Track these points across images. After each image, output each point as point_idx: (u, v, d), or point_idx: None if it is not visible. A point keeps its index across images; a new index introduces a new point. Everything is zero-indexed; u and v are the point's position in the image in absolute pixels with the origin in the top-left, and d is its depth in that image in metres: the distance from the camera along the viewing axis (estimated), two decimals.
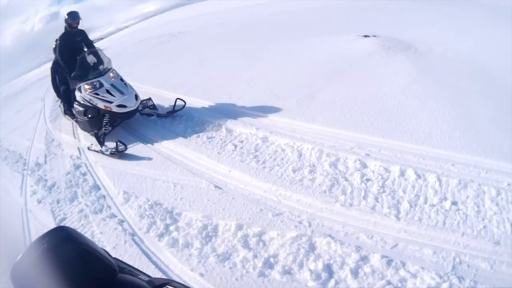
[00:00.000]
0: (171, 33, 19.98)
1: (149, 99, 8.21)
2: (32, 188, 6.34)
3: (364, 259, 3.60)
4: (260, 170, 5.28)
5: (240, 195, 4.87)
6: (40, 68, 30.24)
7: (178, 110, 7.68)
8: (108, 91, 7.08)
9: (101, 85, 7.16)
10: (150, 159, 6.23)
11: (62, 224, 4.99)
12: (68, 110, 8.39)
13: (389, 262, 3.50)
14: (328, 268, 3.56)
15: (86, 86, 7.16)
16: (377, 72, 7.72)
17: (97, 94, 7.07)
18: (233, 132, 6.51)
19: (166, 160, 6.04)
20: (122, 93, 7.14)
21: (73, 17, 7.97)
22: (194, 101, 8.21)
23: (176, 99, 7.73)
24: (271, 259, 3.75)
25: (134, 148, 6.74)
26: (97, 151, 6.91)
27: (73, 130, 8.37)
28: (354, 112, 6.32)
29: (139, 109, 7.51)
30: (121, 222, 4.83)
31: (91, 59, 7.73)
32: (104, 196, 5.53)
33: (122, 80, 7.57)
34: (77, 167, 6.57)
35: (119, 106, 6.99)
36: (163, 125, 7.50)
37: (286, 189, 4.81)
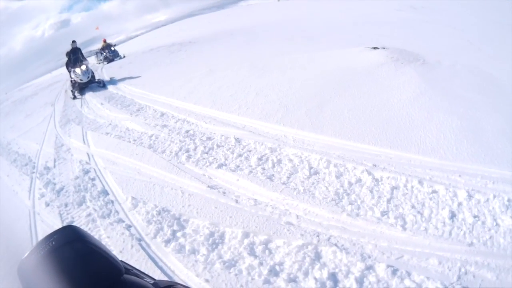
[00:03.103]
0: (181, 43, 20.21)
1: (100, 79, 15.20)
2: (40, 191, 6.39)
3: (370, 268, 3.59)
4: (268, 180, 5.30)
5: (247, 204, 4.89)
6: (51, 74, 30.52)
7: (103, 84, 14.35)
8: (79, 74, 14.27)
9: (78, 71, 14.41)
10: None
11: None
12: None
13: (394, 272, 3.50)
14: (333, 277, 3.56)
15: (72, 70, 14.57)
16: (386, 84, 7.73)
17: (76, 74, 14.31)
18: (242, 142, 6.54)
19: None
20: (84, 74, 14.29)
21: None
22: (204, 111, 8.31)
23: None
24: (277, 267, 3.75)
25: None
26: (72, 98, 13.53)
27: (83, 136, 8.45)
28: (362, 123, 6.33)
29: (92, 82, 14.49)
30: (128, 227, 4.85)
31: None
32: (112, 201, 5.56)
33: (87, 70, 14.65)
34: (86, 172, 6.62)
35: (80, 80, 14.13)
36: None
37: (293, 198, 4.82)
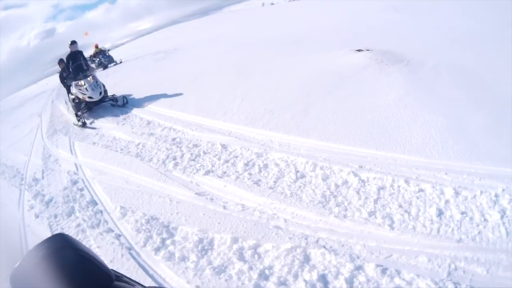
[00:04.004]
0: (166, 50, 20.18)
1: (113, 95, 11.46)
2: (29, 202, 6.37)
3: (359, 268, 3.61)
4: (255, 185, 5.32)
5: (235, 209, 4.89)
6: (36, 84, 30.32)
7: (125, 103, 10.93)
8: (86, 88, 10.84)
9: (84, 84, 10.93)
10: None
11: None
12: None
13: (383, 271, 3.52)
14: (323, 279, 3.57)
15: (75, 84, 11.05)
16: (370, 86, 7.79)
17: (80, 89, 10.85)
18: (228, 148, 6.55)
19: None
20: (93, 89, 10.86)
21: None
22: (190, 118, 8.33)
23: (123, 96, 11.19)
24: (267, 271, 3.77)
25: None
26: (78, 125, 10.22)
27: (70, 146, 8.41)
28: (347, 125, 6.38)
29: (104, 100, 11.14)
30: (118, 236, 4.84)
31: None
32: (101, 211, 5.55)
33: (97, 82, 11.28)
34: (74, 182, 6.59)
35: (89, 97, 10.77)
36: None
37: (280, 202, 4.85)
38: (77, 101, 10.91)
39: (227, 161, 6.12)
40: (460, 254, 3.61)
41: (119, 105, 10.92)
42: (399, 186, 4.66)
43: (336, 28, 16.01)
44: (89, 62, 26.01)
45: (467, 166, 4.84)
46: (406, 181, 4.68)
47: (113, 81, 14.81)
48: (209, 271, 3.88)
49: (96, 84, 11.07)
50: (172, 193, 5.55)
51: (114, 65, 22.30)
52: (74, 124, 10.46)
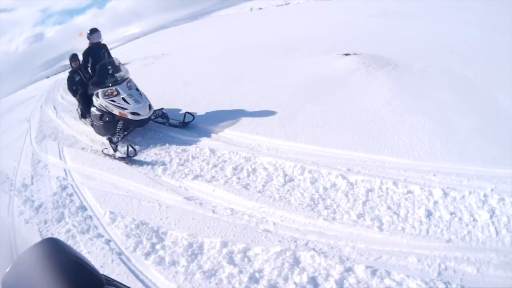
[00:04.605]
0: (154, 55, 20.13)
1: (162, 109, 8.51)
2: (19, 208, 6.31)
3: (349, 270, 3.63)
4: (243, 189, 5.34)
5: (224, 214, 4.90)
6: (25, 89, 30.10)
7: (189, 122, 8.12)
8: (124, 99, 7.64)
9: (118, 93, 7.73)
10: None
11: None
12: (85, 113, 8.91)
13: (373, 272, 3.54)
14: (313, 281, 3.58)
15: (103, 92, 7.81)
16: (358, 89, 7.85)
17: (113, 101, 7.67)
18: (216, 152, 6.57)
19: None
20: (137, 101, 7.69)
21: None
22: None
23: (186, 113, 8.31)
24: (257, 274, 3.77)
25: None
26: (109, 155, 7.37)
27: (59, 152, 8.35)
28: (335, 129, 6.43)
29: (151, 118, 8.04)
30: (108, 241, 4.82)
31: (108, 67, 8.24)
32: (90, 217, 5.51)
33: (137, 90, 8.16)
34: (64, 188, 6.55)
35: (133, 113, 7.56)
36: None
37: (269, 206, 4.87)
38: (108, 119, 7.77)
39: (215, 166, 6.13)
40: (450, 254, 3.64)
41: (175, 124, 8.24)
42: (387, 188, 4.70)
43: (324, 33, 16.07)
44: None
45: (455, 167, 4.90)
46: (395, 183, 4.72)
47: None
48: (200, 275, 3.88)
49: (140, 94, 7.91)
50: (161, 198, 5.56)
51: None
52: (104, 153, 7.47)
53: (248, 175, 5.68)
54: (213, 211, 4.98)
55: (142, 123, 7.76)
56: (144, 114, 7.59)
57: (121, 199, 5.71)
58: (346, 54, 10.45)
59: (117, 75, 8.12)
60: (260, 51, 14.36)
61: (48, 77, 33.44)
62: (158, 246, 4.48)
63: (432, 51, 10.12)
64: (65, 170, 7.32)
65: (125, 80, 8.05)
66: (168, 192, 5.66)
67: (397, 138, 5.72)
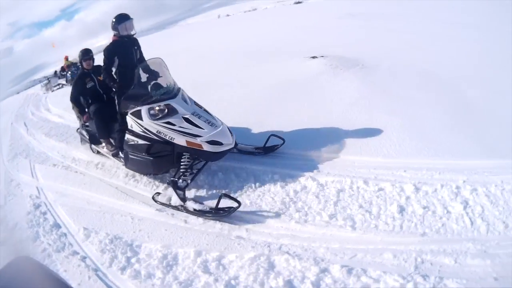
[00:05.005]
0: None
1: None
2: None
3: (324, 271, 3.63)
4: None
5: (196, 223, 4.90)
6: None
7: (276, 148, 6.05)
8: (188, 120, 5.28)
9: (173, 111, 5.37)
10: None
11: None
12: (101, 137, 6.83)
13: (349, 271, 3.54)
14: (289, 284, 3.57)
15: (151, 111, 5.41)
16: (326, 92, 7.92)
17: (169, 123, 5.27)
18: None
19: None
20: (210, 123, 5.32)
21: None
22: None
23: (271, 135, 6.11)
24: (232, 281, 3.74)
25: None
26: (175, 207, 5.19)
27: (31, 169, 8.22)
28: (303, 132, 6.49)
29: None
30: (83, 258, 4.74)
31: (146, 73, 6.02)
32: (65, 234, 5.42)
33: (198, 105, 5.86)
34: (37, 206, 6.43)
35: (212, 142, 5.13)
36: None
37: (240, 212, 4.83)
38: (162, 152, 5.45)
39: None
40: (426, 248, 3.67)
41: (259, 153, 6.16)
42: (358, 187, 4.75)
43: (291, 37, 16.18)
44: (58, 77, 22.63)
45: (426, 162, 4.99)
46: (365, 182, 4.77)
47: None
48: (176, 286, 3.84)
49: (207, 112, 5.72)
50: (133, 211, 5.51)
51: None
52: (160, 202, 5.41)
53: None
54: (185, 221, 4.95)
55: (221, 156, 5.35)
56: (228, 142, 5.20)
57: (94, 214, 5.62)
58: (313, 57, 10.54)
59: (166, 84, 5.79)
60: (227, 58, 14.35)
61: (18, 93, 32.86)
62: (133, 260, 4.43)
63: (399, 50, 10.29)
64: (37, 188, 7.19)
65: (178, 91, 5.74)
66: (140, 204, 5.61)
67: (366, 137, 5.80)
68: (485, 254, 3.45)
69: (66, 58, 23.08)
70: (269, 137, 6.08)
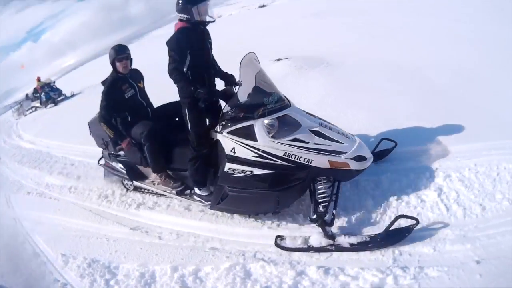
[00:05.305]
0: (92, 85, 19.79)
1: None
2: None
3: (301, 273, 3.65)
4: (186, 210, 5.32)
5: (170, 238, 4.89)
6: None
7: (388, 151, 5.10)
8: (320, 134, 4.11)
9: (296, 123, 4.18)
10: None
11: None
12: (157, 175, 5.33)
13: (326, 271, 3.56)
14: None
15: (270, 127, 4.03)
16: (292, 93, 7.83)
17: (297, 140, 4.01)
18: None
19: None
20: (345, 135, 4.30)
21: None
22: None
23: (382, 139, 5.16)
24: None
25: None
26: (324, 249, 3.90)
27: (6, 200, 8.08)
28: None
29: None
30: (64, 285, 4.69)
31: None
32: (44, 262, 5.33)
33: (309, 114, 4.61)
34: (15, 237, 6.33)
35: (356, 158, 4.04)
36: None
37: (213, 223, 4.86)
38: (300, 180, 4.08)
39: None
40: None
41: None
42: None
43: (255, 40, 16.02)
44: (30, 100, 21.59)
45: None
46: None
47: (40, 124, 14.80)
48: None
49: (337, 128, 4.44)
50: (108, 232, 5.47)
51: (62, 99, 20.19)
52: (327, 247, 3.92)
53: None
54: (160, 238, 4.94)
55: (354, 175, 4.23)
56: (370, 155, 4.17)
57: (70, 239, 5.55)
58: (278, 60, 10.50)
59: (272, 88, 4.42)
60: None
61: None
62: (112, 282, 4.39)
63: (364, 44, 10.35)
64: (14, 219, 7.09)
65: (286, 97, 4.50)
66: (114, 225, 5.59)
67: None
68: (464, 239, 3.49)
69: (39, 79, 22.21)
70: (380, 140, 5.18)
